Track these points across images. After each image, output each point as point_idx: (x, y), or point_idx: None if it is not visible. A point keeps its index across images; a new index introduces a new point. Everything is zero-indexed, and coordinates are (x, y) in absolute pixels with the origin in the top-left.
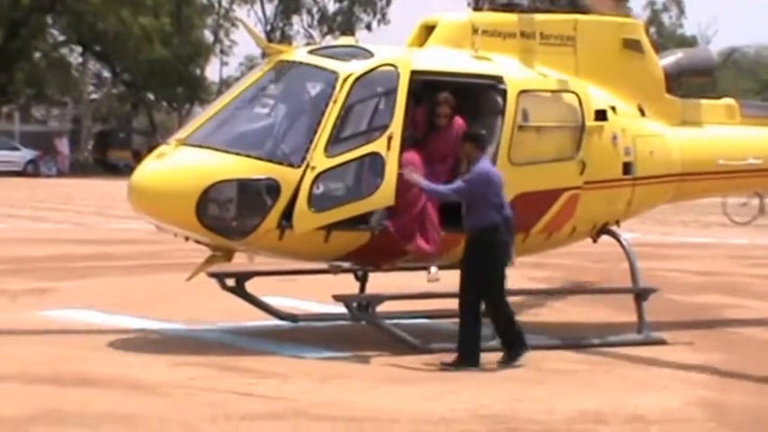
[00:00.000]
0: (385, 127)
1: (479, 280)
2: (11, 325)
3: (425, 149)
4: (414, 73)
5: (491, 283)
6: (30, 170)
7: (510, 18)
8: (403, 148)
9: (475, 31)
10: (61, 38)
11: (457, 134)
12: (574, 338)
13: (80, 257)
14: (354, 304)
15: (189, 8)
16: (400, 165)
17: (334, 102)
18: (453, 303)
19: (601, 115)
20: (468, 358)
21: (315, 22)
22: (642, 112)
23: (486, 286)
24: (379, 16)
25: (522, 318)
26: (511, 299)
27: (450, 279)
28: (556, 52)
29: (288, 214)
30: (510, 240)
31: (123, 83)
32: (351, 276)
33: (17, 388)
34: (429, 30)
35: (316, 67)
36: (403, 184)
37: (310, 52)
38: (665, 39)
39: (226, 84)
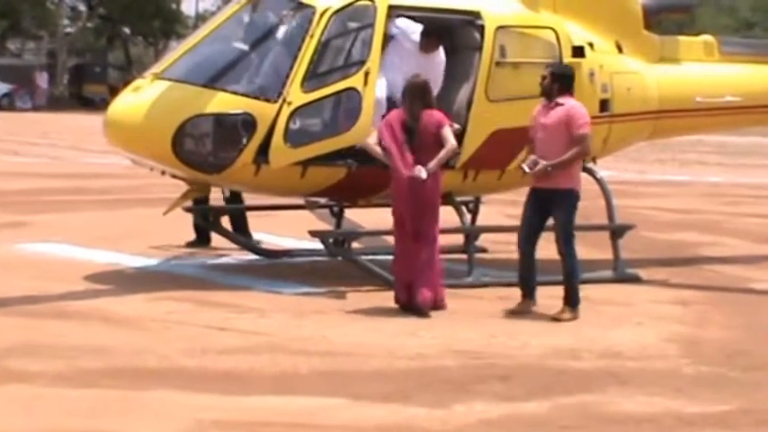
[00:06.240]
0: (362, 62)
1: None
2: None
3: None
4: (391, 8)
5: None
6: (4, 104)
7: None
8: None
9: None
10: None
11: None
12: (549, 275)
13: (56, 191)
14: (330, 240)
15: None
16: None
17: (311, 36)
18: None
19: (578, 52)
20: None
21: None
22: (620, 49)
23: None
24: None
25: (498, 255)
26: (487, 235)
27: None
28: None
29: (264, 149)
30: None
31: (99, 16)
32: (326, 212)
33: None
34: None
35: (293, 1)
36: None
37: None
38: None
39: (202, 18)
